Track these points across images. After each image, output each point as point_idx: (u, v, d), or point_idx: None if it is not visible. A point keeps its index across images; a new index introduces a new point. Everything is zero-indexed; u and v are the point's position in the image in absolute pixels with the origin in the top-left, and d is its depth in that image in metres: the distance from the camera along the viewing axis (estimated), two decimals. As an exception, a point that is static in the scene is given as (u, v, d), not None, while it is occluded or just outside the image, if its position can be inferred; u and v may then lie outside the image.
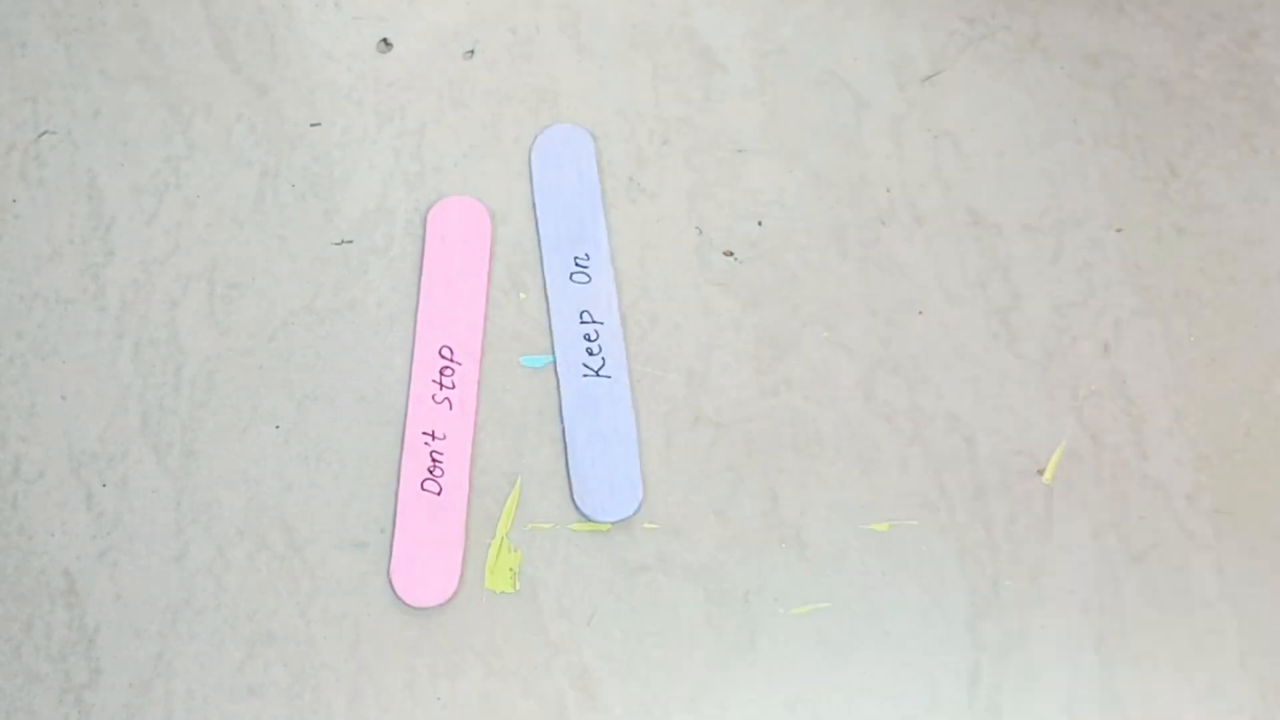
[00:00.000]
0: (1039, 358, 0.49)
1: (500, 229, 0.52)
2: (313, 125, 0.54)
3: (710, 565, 0.47)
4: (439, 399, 0.49)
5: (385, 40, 0.56)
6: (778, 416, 0.49)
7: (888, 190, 0.52)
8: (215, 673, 0.46)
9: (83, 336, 0.51)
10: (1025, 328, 0.50)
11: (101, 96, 0.55)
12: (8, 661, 0.46)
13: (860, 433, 0.48)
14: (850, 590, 0.46)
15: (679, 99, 0.54)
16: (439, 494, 0.47)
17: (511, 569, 0.47)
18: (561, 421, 0.49)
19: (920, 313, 0.50)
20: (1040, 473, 0.47)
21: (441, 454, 0.48)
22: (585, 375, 0.49)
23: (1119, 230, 0.51)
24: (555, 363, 0.50)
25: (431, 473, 0.48)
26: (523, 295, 0.51)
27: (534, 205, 0.52)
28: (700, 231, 0.52)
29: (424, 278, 0.51)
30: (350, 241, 0.52)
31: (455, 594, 0.46)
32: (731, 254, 0.52)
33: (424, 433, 0.48)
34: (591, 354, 0.49)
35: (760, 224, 0.52)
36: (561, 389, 0.49)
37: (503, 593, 0.47)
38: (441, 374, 0.49)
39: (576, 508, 0.47)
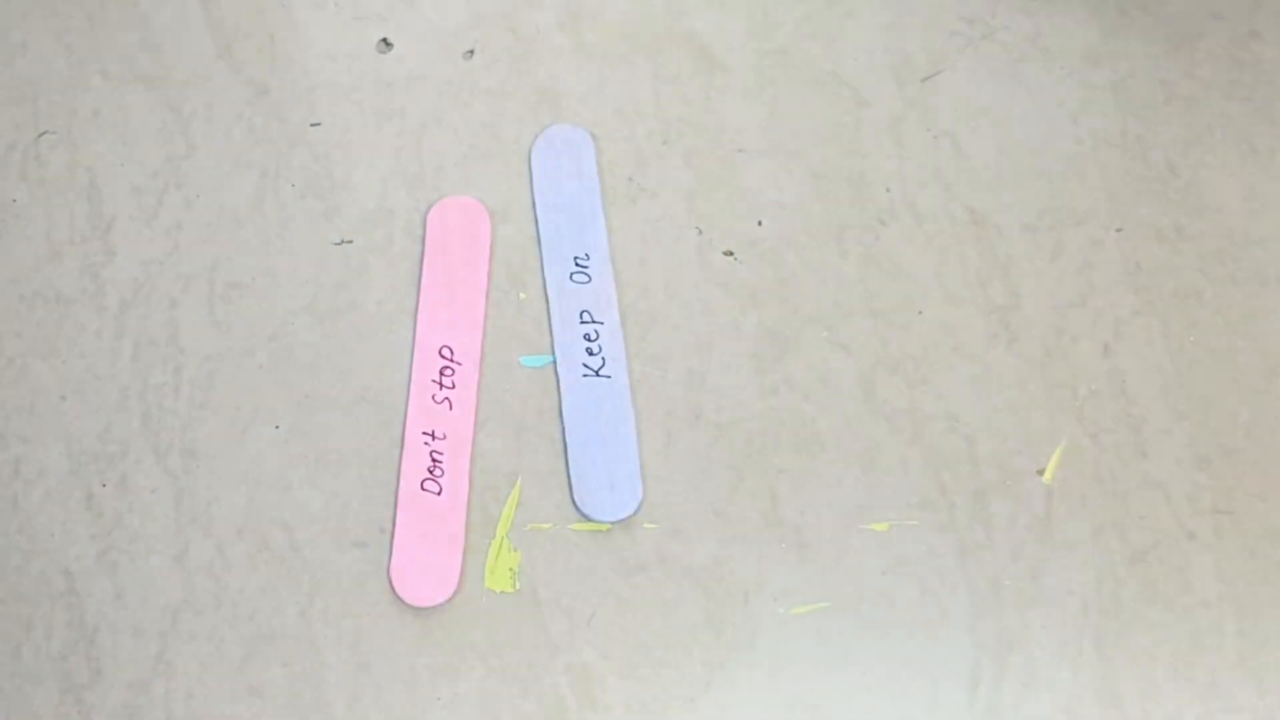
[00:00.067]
0: (1039, 358, 0.49)
1: (500, 229, 0.52)
2: (313, 125, 0.54)
3: (710, 565, 0.47)
4: (439, 399, 0.49)
5: (385, 40, 0.56)
6: (778, 416, 0.49)
7: (888, 190, 0.52)
8: (215, 673, 0.46)
9: (83, 336, 0.51)
10: (1025, 328, 0.50)
11: (101, 96, 0.55)
12: (8, 661, 0.46)
13: (860, 433, 0.48)
14: (850, 590, 0.46)
15: (679, 99, 0.54)
16: (439, 494, 0.47)
17: (511, 569, 0.47)
18: (561, 421, 0.49)
19: (920, 312, 0.50)
20: (1040, 473, 0.47)
21: (441, 454, 0.48)
22: (585, 375, 0.49)
23: (1119, 230, 0.51)
24: (555, 363, 0.50)
25: (431, 473, 0.48)
26: (523, 295, 0.51)
27: (534, 205, 0.52)
28: (700, 231, 0.52)
29: (424, 278, 0.51)
30: (350, 241, 0.52)
31: (455, 594, 0.46)
32: (731, 254, 0.52)
33: (424, 433, 0.48)
34: (591, 354, 0.49)
35: (760, 224, 0.52)
36: (561, 389, 0.49)
37: (503, 593, 0.47)
38: (441, 374, 0.49)
39: (576, 508, 0.47)
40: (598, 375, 0.49)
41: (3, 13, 0.57)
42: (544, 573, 0.47)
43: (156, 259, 0.52)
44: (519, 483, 0.48)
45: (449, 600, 0.46)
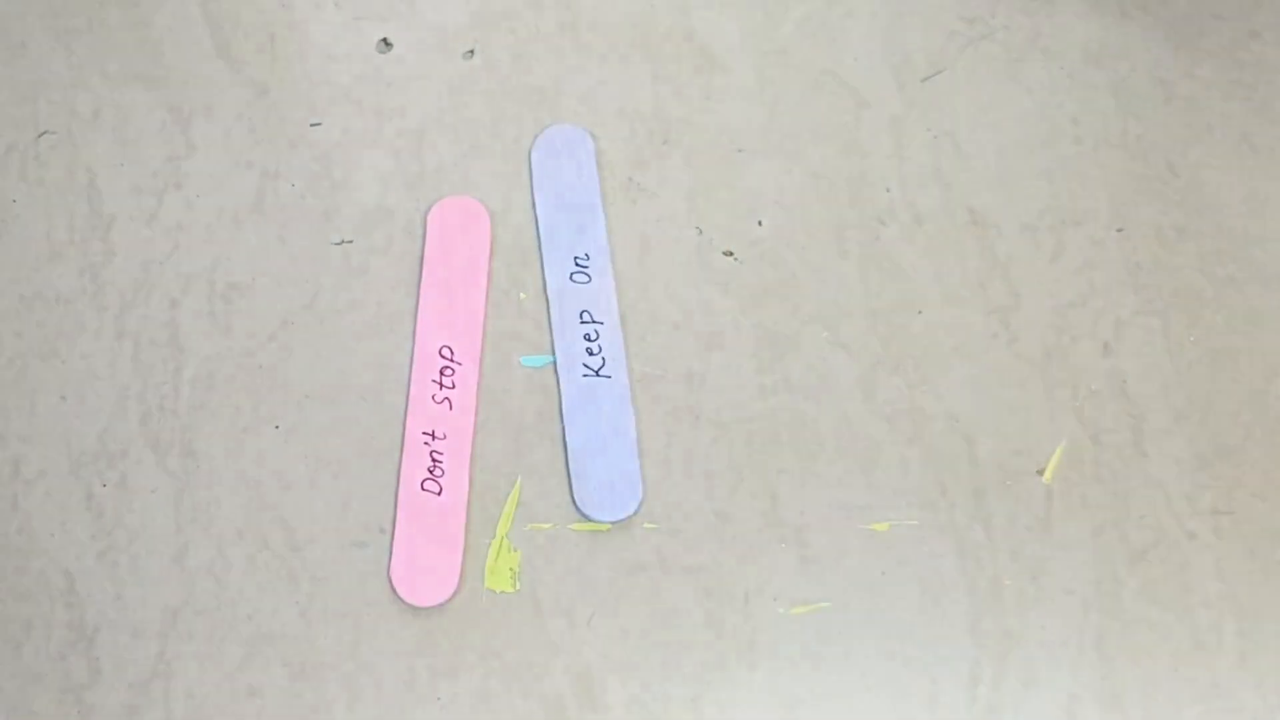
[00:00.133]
0: (1039, 358, 0.49)
1: (500, 229, 0.52)
2: (313, 125, 0.54)
3: (710, 565, 0.47)
4: (439, 399, 0.49)
5: (385, 40, 0.56)
6: (778, 416, 0.49)
7: (887, 190, 0.52)
8: (215, 673, 0.46)
9: (83, 336, 0.51)
10: (1025, 328, 0.49)
11: (101, 96, 0.55)
12: (8, 661, 0.46)
13: (860, 433, 0.48)
14: (850, 590, 0.46)
15: (679, 99, 0.54)
16: (439, 494, 0.47)
17: (511, 569, 0.47)
18: (561, 421, 0.49)
19: (920, 313, 0.50)
20: (1040, 473, 0.47)
21: (441, 454, 0.48)
22: (585, 375, 0.49)
23: (1119, 230, 0.51)
24: (555, 363, 0.50)
25: (431, 473, 0.48)
26: (523, 295, 0.51)
27: (534, 205, 0.52)
28: (700, 231, 0.52)
29: (424, 278, 0.51)
30: (350, 241, 0.52)
31: (455, 594, 0.46)
32: (731, 254, 0.52)
33: (424, 433, 0.48)
34: (591, 354, 0.49)
35: (760, 224, 0.52)
36: (561, 389, 0.49)
37: (503, 593, 0.47)
38: (441, 374, 0.49)
39: (576, 508, 0.47)
40: (598, 375, 0.49)
41: (3, 13, 0.57)
42: (544, 573, 0.47)
43: (156, 259, 0.52)
44: (519, 483, 0.48)
45: (449, 600, 0.46)
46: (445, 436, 0.48)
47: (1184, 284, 0.50)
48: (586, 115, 0.54)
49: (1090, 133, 0.53)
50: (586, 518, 0.47)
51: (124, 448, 0.49)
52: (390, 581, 0.47)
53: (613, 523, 0.47)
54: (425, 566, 0.47)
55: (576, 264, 0.51)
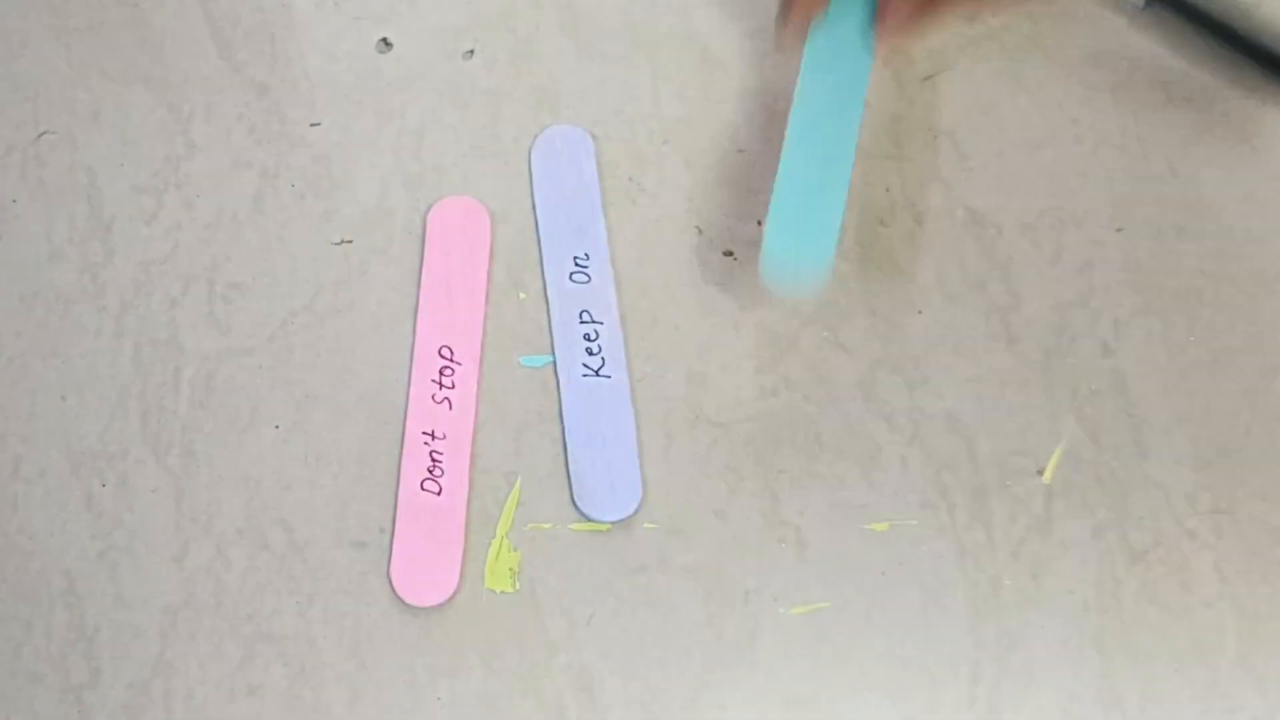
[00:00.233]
0: (1039, 358, 0.49)
1: (500, 229, 0.52)
2: (313, 125, 0.54)
3: (710, 565, 0.47)
4: (439, 399, 0.49)
5: (385, 40, 0.56)
6: (778, 416, 0.49)
7: (887, 190, 0.52)
8: (215, 673, 0.46)
9: (83, 336, 0.51)
10: (1025, 328, 0.49)
11: (101, 96, 0.55)
12: (8, 661, 0.46)
13: (860, 433, 0.48)
14: (850, 590, 0.46)
15: (679, 99, 0.54)
16: (439, 494, 0.47)
17: (511, 569, 0.47)
18: (561, 421, 0.49)
19: (920, 312, 0.50)
20: (1040, 473, 0.47)
21: (441, 454, 0.48)
22: (585, 375, 0.49)
23: (1119, 230, 0.51)
24: (555, 363, 0.50)
25: (431, 473, 0.48)
26: (522, 295, 0.51)
27: (534, 205, 0.52)
28: (700, 231, 0.52)
29: (424, 278, 0.51)
30: (350, 241, 0.52)
31: (455, 594, 0.46)
32: (731, 254, 0.52)
33: (424, 433, 0.48)
34: (591, 354, 0.49)
35: (760, 224, 0.52)
36: (561, 389, 0.49)
37: (503, 593, 0.47)
38: (441, 374, 0.49)
39: (576, 508, 0.47)
40: (598, 375, 0.49)
41: (3, 13, 0.57)
42: (544, 573, 0.47)
43: (156, 259, 0.52)
44: (519, 483, 0.48)
45: (449, 600, 0.46)
46: (445, 436, 0.48)
47: (1184, 284, 0.50)
48: (586, 115, 0.54)
49: (1090, 133, 0.53)
50: (586, 518, 0.47)
51: (124, 448, 0.49)
52: (390, 581, 0.47)
53: (613, 523, 0.47)
54: (425, 566, 0.47)
55: (576, 264, 0.51)
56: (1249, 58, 0.41)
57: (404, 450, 0.48)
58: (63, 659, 0.46)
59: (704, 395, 0.49)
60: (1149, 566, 0.46)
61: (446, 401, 0.49)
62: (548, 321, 0.50)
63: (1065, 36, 0.55)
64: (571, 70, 0.55)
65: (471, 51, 0.55)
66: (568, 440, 0.48)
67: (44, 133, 0.55)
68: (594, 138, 0.53)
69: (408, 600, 0.46)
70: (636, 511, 0.47)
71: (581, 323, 0.50)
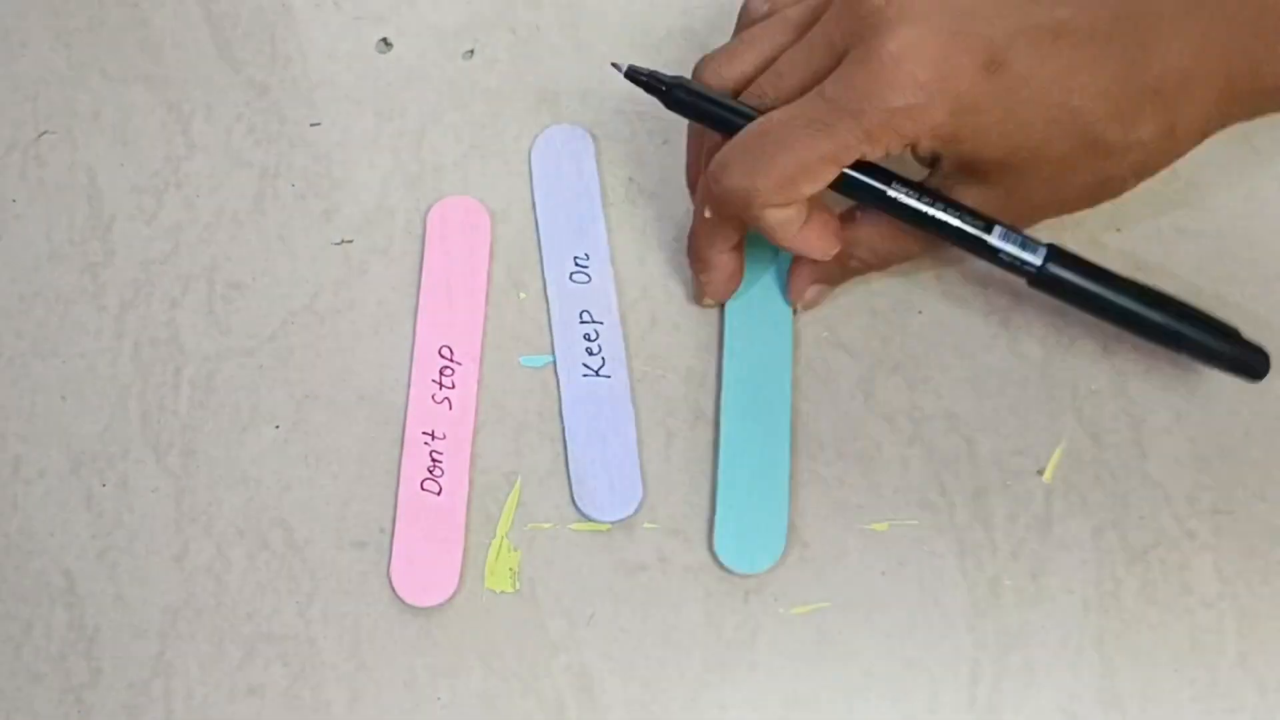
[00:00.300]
0: (1039, 358, 0.49)
1: (500, 229, 0.52)
2: (313, 125, 0.54)
3: (710, 565, 0.47)
4: (439, 399, 0.49)
5: (385, 40, 0.56)
6: (778, 416, 0.49)
7: (888, 190, 0.52)
8: (215, 673, 0.46)
9: (83, 336, 0.51)
10: (1025, 328, 0.49)
11: (101, 96, 0.55)
12: (8, 661, 0.46)
13: (860, 433, 0.48)
14: (850, 590, 0.46)
15: (679, 99, 0.54)
16: (439, 494, 0.47)
17: (511, 569, 0.47)
18: (561, 421, 0.49)
19: (920, 312, 0.50)
20: (1040, 473, 0.47)
21: (441, 454, 0.48)
22: (585, 375, 0.49)
23: (1119, 230, 0.51)
24: (555, 363, 0.50)
25: (431, 473, 0.48)
26: (522, 295, 0.51)
27: (534, 205, 0.52)
28: (700, 231, 0.52)
29: (424, 278, 0.51)
30: (350, 241, 0.52)
31: (455, 594, 0.46)
32: (731, 254, 0.51)
33: (424, 433, 0.48)
34: (591, 354, 0.49)
35: (760, 224, 0.52)
36: (561, 389, 0.49)
37: (503, 593, 0.47)
38: (441, 374, 0.49)
39: (576, 508, 0.47)
40: (598, 375, 0.49)
41: (3, 12, 0.57)
42: (544, 573, 0.47)
43: (156, 259, 0.52)
44: (519, 483, 0.48)
45: (449, 600, 0.46)
46: (445, 436, 0.48)
47: (1184, 284, 0.50)
48: (586, 115, 0.54)
49: (1090, 133, 0.53)
50: (586, 518, 0.47)
51: (124, 448, 0.49)
52: (390, 581, 0.47)
53: (613, 523, 0.47)
54: (425, 566, 0.47)
55: (576, 264, 0.51)
56: (1138, 328, 0.44)
57: (404, 450, 0.48)
58: (63, 659, 0.46)
59: (704, 395, 0.49)
60: (1149, 566, 0.46)
61: (446, 401, 0.49)
62: (548, 321, 0.50)
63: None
64: (571, 70, 0.55)
65: (471, 51, 0.55)
66: (568, 440, 0.48)
67: (44, 133, 0.55)
68: (594, 138, 0.53)
69: (408, 600, 0.46)
70: (636, 511, 0.47)
71: (581, 323, 0.50)
